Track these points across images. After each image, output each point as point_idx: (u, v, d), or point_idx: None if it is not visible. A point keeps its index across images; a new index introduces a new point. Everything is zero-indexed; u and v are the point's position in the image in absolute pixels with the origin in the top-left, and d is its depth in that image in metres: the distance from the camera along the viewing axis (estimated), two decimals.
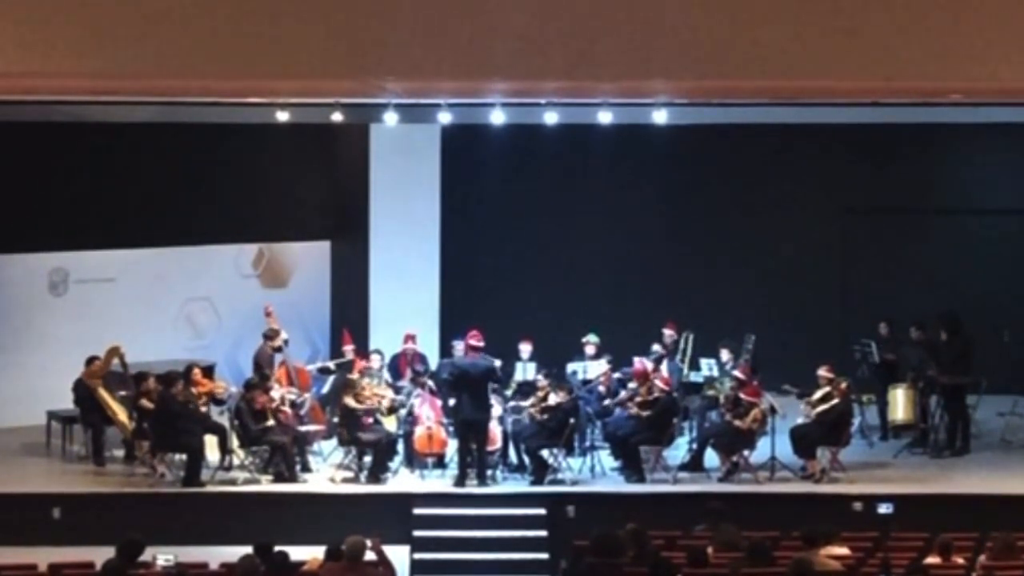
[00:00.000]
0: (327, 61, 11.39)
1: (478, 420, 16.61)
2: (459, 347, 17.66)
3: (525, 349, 18.11)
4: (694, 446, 17.41)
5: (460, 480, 16.59)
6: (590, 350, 18.27)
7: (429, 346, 19.30)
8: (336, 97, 15.99)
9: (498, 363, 17.10)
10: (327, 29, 11.12)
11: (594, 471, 17.08)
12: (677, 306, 19.28)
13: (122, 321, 19.12)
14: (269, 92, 15.47)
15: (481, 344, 16.87)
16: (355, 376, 17.18)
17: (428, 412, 17.07)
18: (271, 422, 16.79)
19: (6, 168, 18.69)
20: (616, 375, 17.84)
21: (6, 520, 15.76)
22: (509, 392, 17.72)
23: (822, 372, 17.28)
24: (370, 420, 16.94)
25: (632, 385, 17.39)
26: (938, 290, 20.50)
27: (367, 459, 16.85)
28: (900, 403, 18.15)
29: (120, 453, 17.59)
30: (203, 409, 17.15)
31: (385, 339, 19.00)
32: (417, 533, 15.95)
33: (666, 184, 21.20)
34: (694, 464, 17.16)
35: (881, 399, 18.57)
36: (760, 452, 17.02)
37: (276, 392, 17.17)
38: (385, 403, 17.10)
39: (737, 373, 17.39)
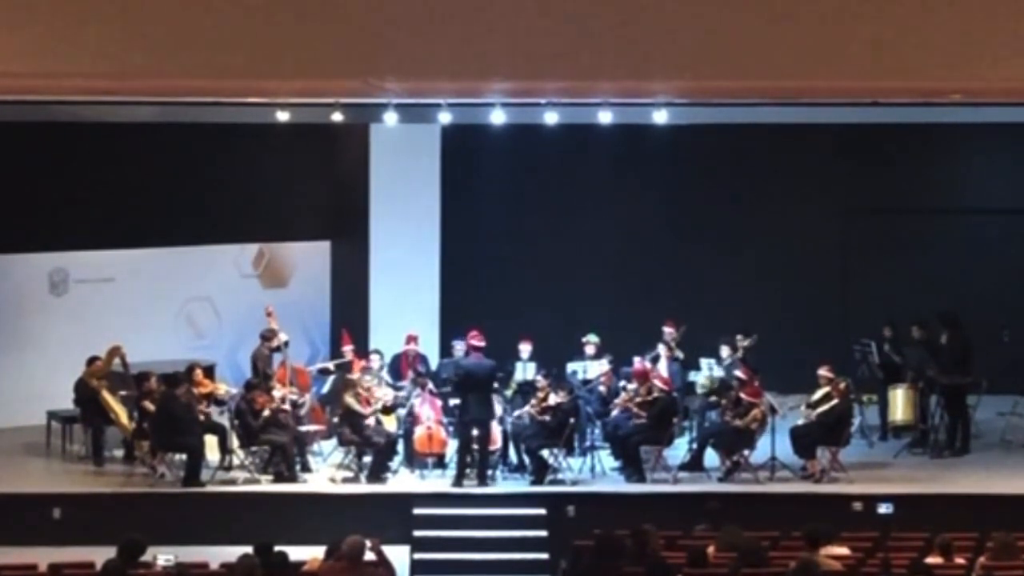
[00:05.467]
0: (327, 61, 11.38)
1: (484, 420, 16.62)
2: (459, 347, 17.68)
3: (525, 349, 18.11)
4: (694, 446, 17.42)
5: (458, 480, 16.60)
6: (590, 350, 18.27)
7: (429, 346, 19.30)
8: (336, 97, 15.98)
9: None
10: (327, 29, 11.11)
11: (594, 471, 17.08)
12: (677, 306, 19.26)
13: (122, 321, 19.12)
14: (269, 92, 15.46)
15: (483, 344, 16.88)
16: (355, 376, 17.18)
17: (428, 412, 17.08)
18: (267, 412, 16.74)
19: (6, 168, 18.70)
20: (622, 383, 17.80)
21: (6, 520, 15.77)
22: (509, 392, 17.73)
23: (822, 372, 17.30)
24: (371, 420, 16.95)
25: (632, 385, 17.39)
26: (938, 290, 20.48)
27: (367, 459, 16.85)
28: (900, 403, 18.16)
29: (120, 453, 17.60)
30: (204, 409, 17.14)
31: (385, 339, 19.00)
32: (417, 533, 15.95)
33: (666, 184, 21.19)
34: (694, 464, 17.16)
35: (881, 399, 18.58)
36: (760, 452, 17.03)
37: (277, 392, 17.18)
38: (382, 405, 17.11)
39: (738, 373, 17.39)
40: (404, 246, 20.43)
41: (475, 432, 16.58)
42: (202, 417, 16.97)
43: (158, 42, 11.14)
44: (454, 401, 17.10)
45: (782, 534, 13.55)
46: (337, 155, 20.91)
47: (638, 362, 17.67)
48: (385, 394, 17.32)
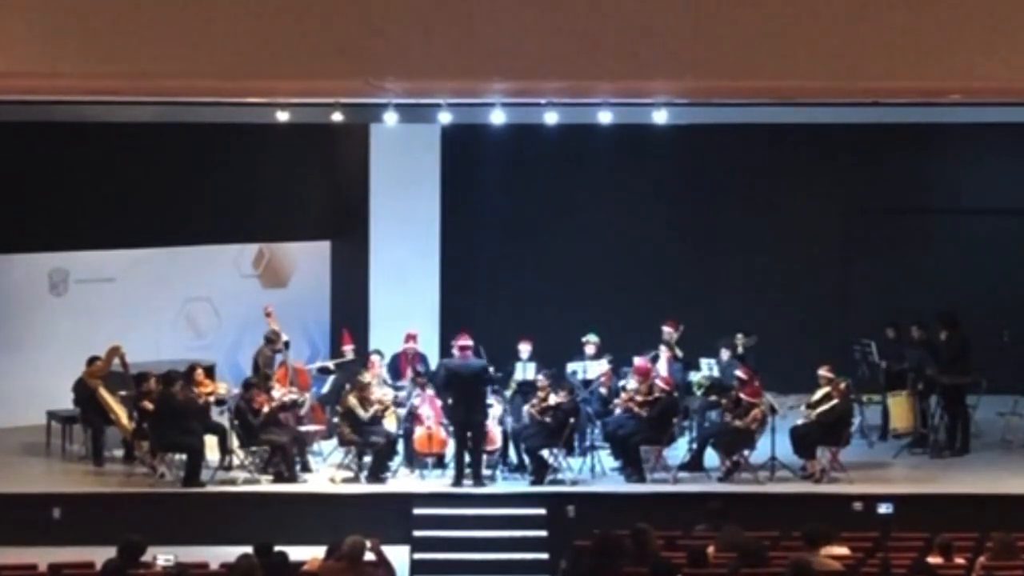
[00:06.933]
0: (327, 61, 11.38)
1: (472, 421, 16.58)
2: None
3: (525, 349, 18.10)
4: (694, 446, 17.42)
5: (457, 480, 16.60)
6: (590, 350, 18.27)
7: (429, 346, 19.30)
8: (336, 97, 15.99)
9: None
10: (327, 29, 11.12)
11: (594, 471, 17.08)
12: (677, 306, 19.28)
13: (122, 321, 19.13)
14: (269, 92, 15.46)
15: (470, 344, 16.86)
16: (366, 378, 17.10)
17: (428, 412, 17.07)
18: (266, 409, 16.73)
19: (6, 168, 18.70)
20: (621, 383, 17.79)
21: (6, 520, 15.76)
22: (509, 392, 17.72)
23: (822, 372, 17.29)
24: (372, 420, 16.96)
25: (632, 384, 17.38)
26: (938, 290, 20.49)
27: (367, 459, 16.85)
28: (900, 411, 18.15)
29: (120, 453, 17.60)
30: (204, 409, 17.14)
31: (385, 339, 19.00)
32: (417, 533, 15.95)
33: (666, 184, 21.20)
34: (694, 464, 17.16)
35: (884, 402, 18.57)
36: (760, 452, 17.03)
37: (277, 392, 17.18)
38: (388, 408, 17.11)
39: (738, 373, 17.39)
40: (404, 246, 20.43)
41: (467, 433, 16.57)
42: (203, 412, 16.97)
43: (158, 42, 11.14)
44: (450, 402, 17.08)
45: (782, 534, 13.55)
46: (337, 155, 20.91)
47: (639, 361, 17.66)
48: (385, 394, 17.31)
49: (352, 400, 16.83)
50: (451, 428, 17.05)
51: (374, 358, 17.84)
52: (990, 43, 11.19)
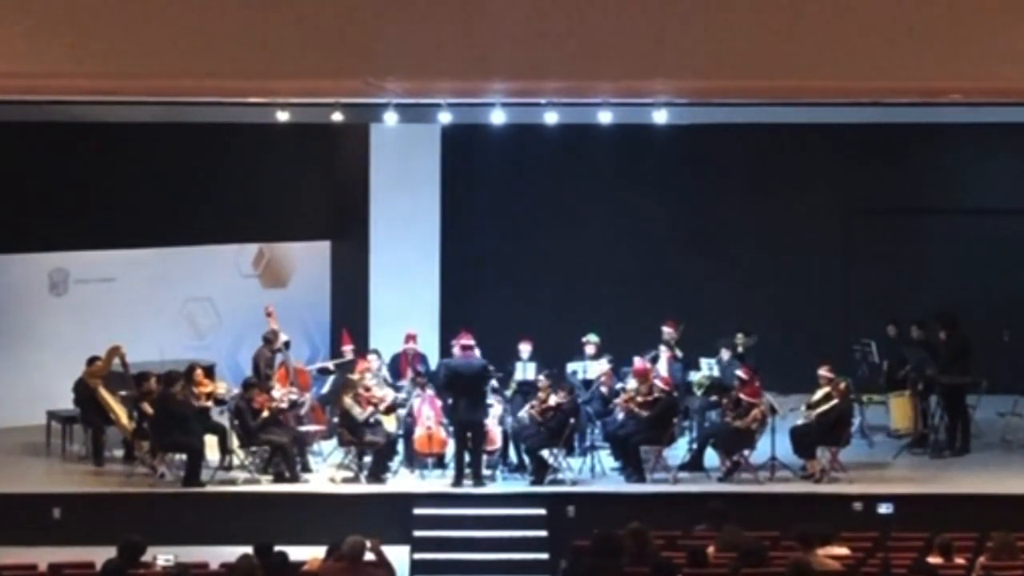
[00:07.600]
0: (327, 61, 11.37)
1: (474, 421, 16.59)
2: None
3: (525, 349, 18.09)
4: (694, 446, 17.42)
5: (457, 480, 16.60)
6: (590, 350, 18.27)
7: (429, 346, 19.30)
8: (336, 97, 15.99)
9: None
10: (327, 29, 11.11)
11: (594, 471, 17.08)
12: (677, 306, 19.28)
13: (122, 321, 19.13)
14: (269, 92, 15.46)
15: (471, 344, 16.87)
16: (356, 376, 17.15)
17: (428, 412, 17.07)
18: (266, 413, 16.74)
19: (6, 168, 18.70)
20: (619, 385, 17.78)
21: (6, 520, 15.77)
22: (509, 392, 17.72)
23: (822, 372, 17.29)
24: (371, 420, 16.95)
25: (632, 384, 17.38)
26: (938, 290, 20.50)
27: (367, 459, 16.85)
28: (900, 412, 18.16)
29: (120, 453, 17.60)
30: (204, 409, 17.14)
31: (385, 339, 19.01)
32: (417, 533, 15.95)
33: (666, 184, 21.19)
34: (694, 464, 17.16)
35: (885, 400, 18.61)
36: (760, 452, 17.03)
37: (277, 392, 17.18)
38: (384, 406, 17.09)
39: (739, 373, 17.39)
40: (404, 246, 20.43)
41: (468, 433, 16.58)
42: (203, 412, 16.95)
43: (158, 42, 11.13)
44: (450, 401, 17.08)
45: (782, 534, 13.54)
46: (337, 155, 20.92)
47: (639, 362, 17.66)
48: (386, 394, 17.30)
49: (348, 401, 16.83)
50: (451, 428, 17.06)
51: (370, 356, 17.82)
52: (990, 43, 11.19)
